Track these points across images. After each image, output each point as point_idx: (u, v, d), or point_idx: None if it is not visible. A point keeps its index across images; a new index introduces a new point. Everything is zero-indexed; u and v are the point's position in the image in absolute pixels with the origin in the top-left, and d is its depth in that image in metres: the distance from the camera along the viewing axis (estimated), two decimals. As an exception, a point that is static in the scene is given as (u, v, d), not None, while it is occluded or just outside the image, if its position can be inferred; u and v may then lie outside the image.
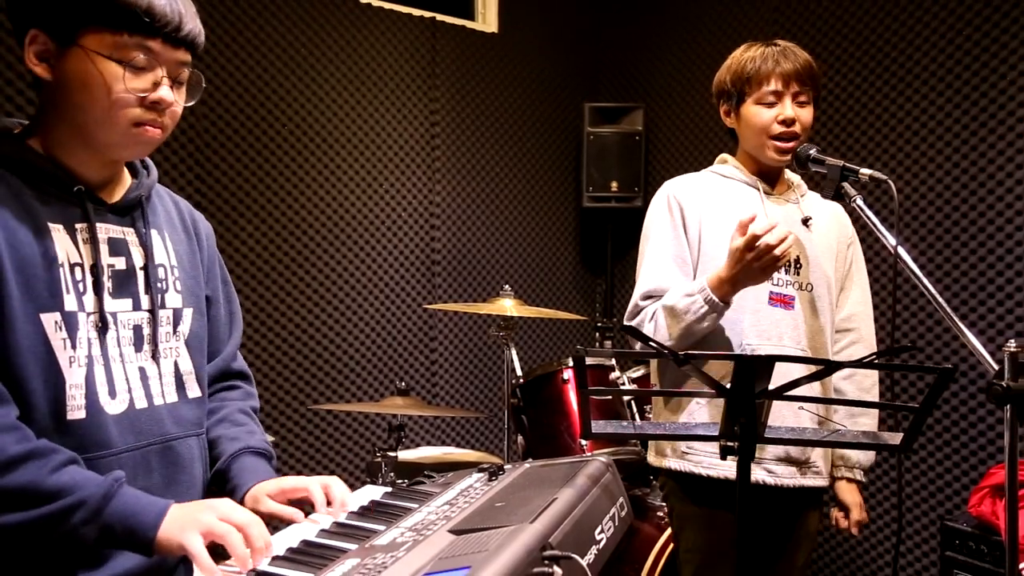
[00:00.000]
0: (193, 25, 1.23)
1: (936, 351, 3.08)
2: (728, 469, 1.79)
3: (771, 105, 1.89)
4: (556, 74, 4.40)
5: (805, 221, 1.97)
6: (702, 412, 1.93)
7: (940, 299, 1.54)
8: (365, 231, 3.75)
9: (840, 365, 1.51)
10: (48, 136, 1.21)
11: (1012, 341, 1.39)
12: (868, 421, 2.03)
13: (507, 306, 2.83)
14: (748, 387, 1.25)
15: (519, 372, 2.96)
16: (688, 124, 4.16)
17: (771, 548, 1.99)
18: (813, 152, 1.85)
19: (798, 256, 1.95)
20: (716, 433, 1.35)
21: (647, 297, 1.94)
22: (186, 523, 1.08)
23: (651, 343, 1.30)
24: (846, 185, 1.75)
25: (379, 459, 2.75)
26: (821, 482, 1.98)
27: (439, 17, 3.95)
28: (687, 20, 4.12)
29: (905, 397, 3.11)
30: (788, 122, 1.88)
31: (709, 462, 1.91)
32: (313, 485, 1.29)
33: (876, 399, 2.02)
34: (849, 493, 2.04)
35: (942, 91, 3.03)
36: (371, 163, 3.76)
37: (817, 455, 1.96)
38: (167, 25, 1.17)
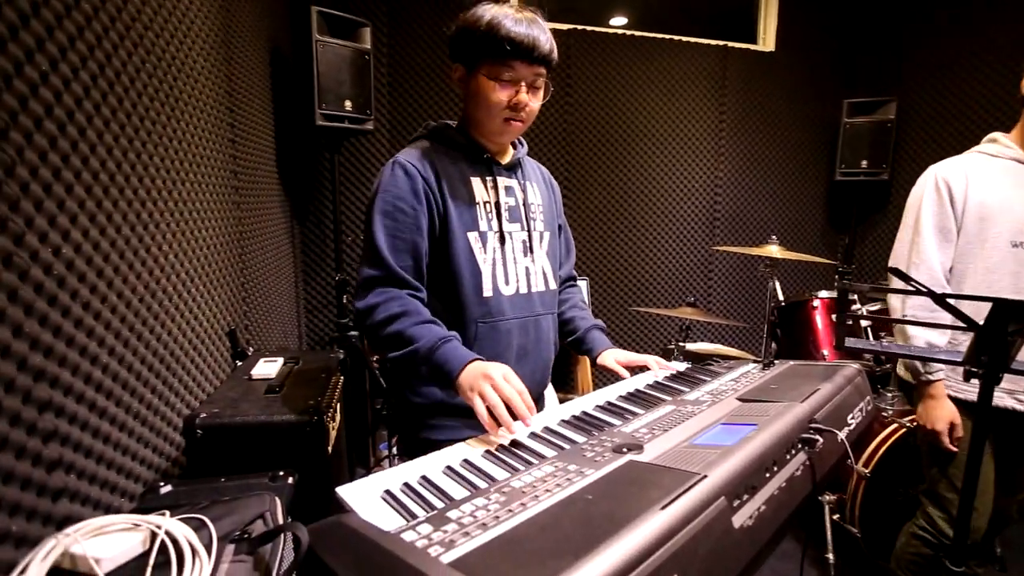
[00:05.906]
0: (546, 48, 1.16)
1: None
2: (971, 393, 1.44)
3: None
4: (821, 78, 3.78)
5: None
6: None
7: None
8: (671, 196, 3.62)
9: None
10: (468, 125, 1.26)
11: None
12: None
13: (773, 250, 2.57)
14: (1002, 327, 0.99)
15: (780, 298, 2.70)
16: (935, 114, 3.35)
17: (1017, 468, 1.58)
18: None
19: None
20: (960, 360, 1.10)
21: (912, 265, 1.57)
22: (472, 383, 1.01)
23: (913, 283, 1.08)
24: None
25: (672, 347, 2.72)
26: None
27: (729, 44, 3.59)
28: (938, 24, 3.28)
29: None
30: None
31: (957, 387, 1.53)
32: (649, 360, 1.31)
33: None
34: None
35: None
36: (677, 149, 3.59)
37: None
38: (524, 52, 1.14)
